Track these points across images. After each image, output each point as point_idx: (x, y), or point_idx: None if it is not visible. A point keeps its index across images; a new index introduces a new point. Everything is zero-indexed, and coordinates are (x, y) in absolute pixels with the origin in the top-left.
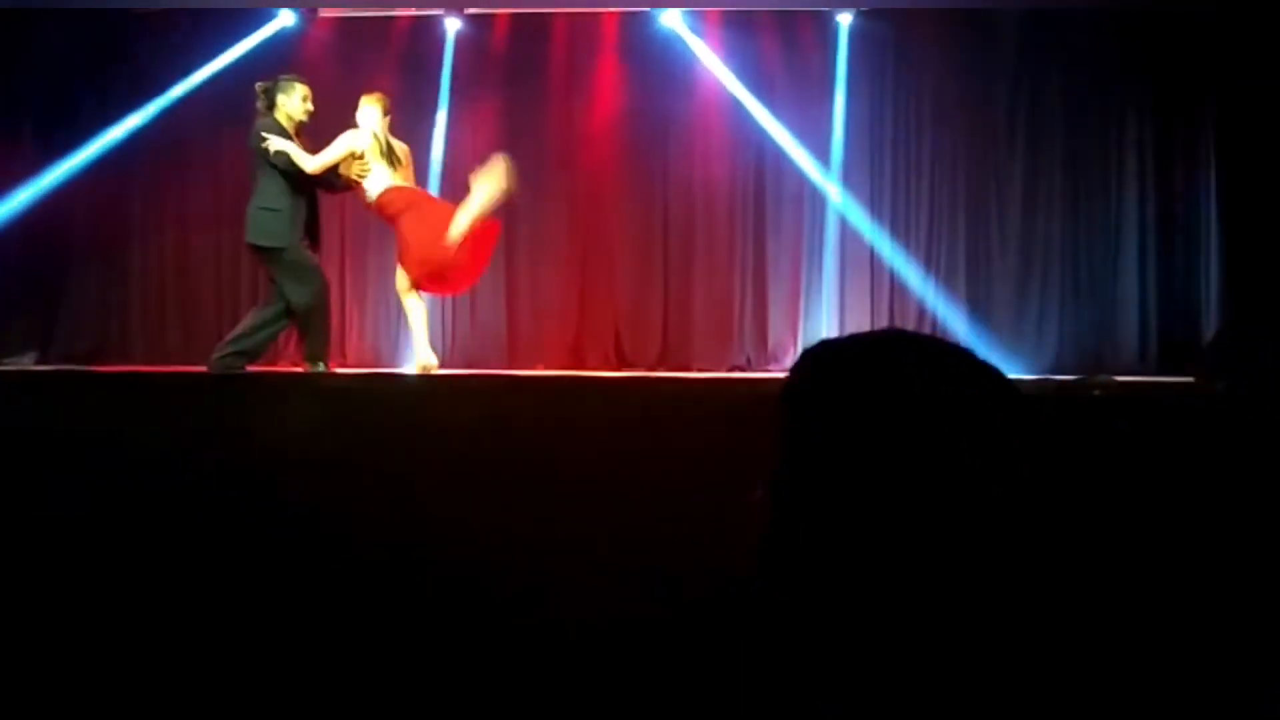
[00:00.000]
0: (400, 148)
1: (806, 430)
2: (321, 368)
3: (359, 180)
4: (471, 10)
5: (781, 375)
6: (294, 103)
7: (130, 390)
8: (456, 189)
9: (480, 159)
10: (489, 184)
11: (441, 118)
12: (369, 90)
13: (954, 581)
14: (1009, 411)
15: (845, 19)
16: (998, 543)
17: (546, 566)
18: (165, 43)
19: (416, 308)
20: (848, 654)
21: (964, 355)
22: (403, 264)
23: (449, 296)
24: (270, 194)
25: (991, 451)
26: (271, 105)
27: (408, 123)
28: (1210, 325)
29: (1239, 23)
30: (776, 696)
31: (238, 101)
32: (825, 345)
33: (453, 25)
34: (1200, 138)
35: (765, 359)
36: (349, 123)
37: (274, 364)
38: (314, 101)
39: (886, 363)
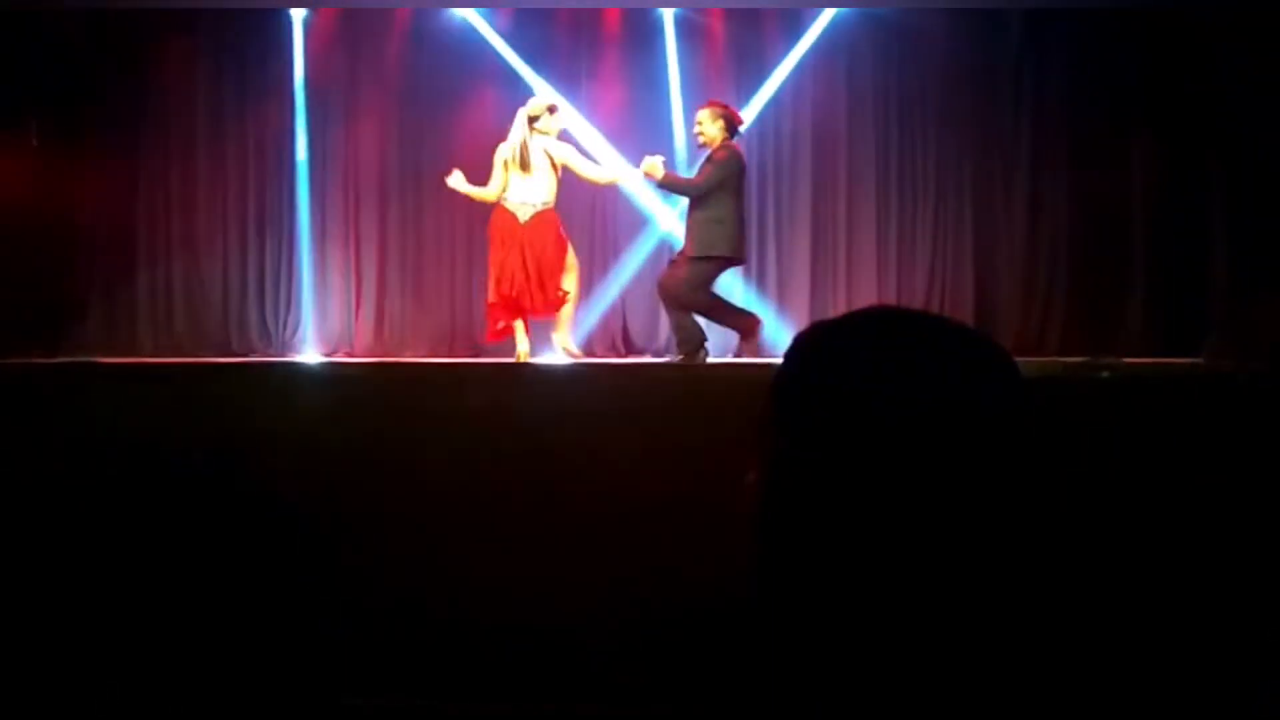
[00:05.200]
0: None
1: (797, 412)
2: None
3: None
4: (472, 6)
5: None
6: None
7: (141, 382)
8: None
9: (475, 152)
10: None
11: (445, 110)
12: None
13: (953, 570)
14: (1008, 389)
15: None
16: (999, 527)
17: (552, 551)
18: (171, 40)
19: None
20: (844, 645)
21: (960, 331)
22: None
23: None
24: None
25: (990, 432)
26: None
27: (416, 119)
28: (1217, 306)
29: (1241, 19)
30: (775, 687)
31: (243, 96)
32: (816, 327)
33: (451, 20)
34: (1206, 128)
35: (772, 345)
36: (350, 114)
37: (284, 354)
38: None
39: (877, 340)
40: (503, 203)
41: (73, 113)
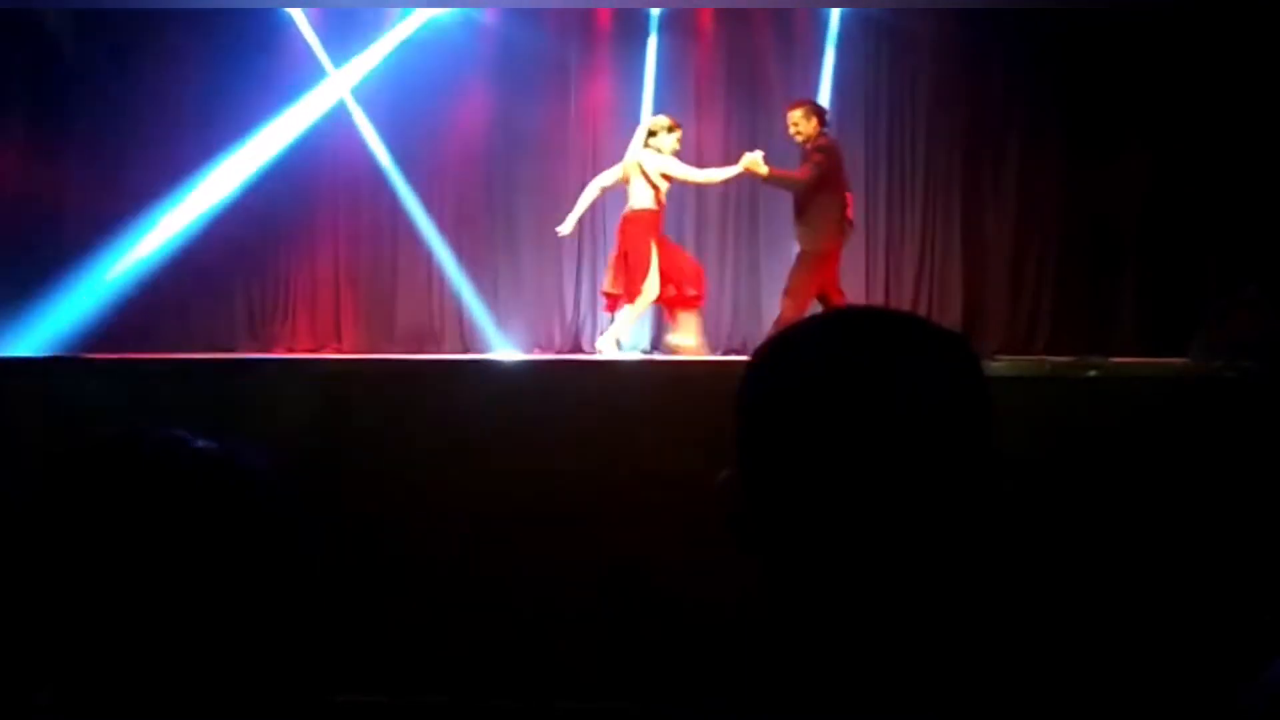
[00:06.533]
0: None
1: (762, 411)
2: None
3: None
4: (465, 6)
5: None
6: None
7: (127, 377)
8: (446, 180)
9: (474, 147)
10: None
11: (436, 109)
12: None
13: (923, 560)
14: (968, 382)
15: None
16: (963, 515)
17: (541, 544)
18: (156, 37)
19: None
20: (820, 639)
21: (919, 326)
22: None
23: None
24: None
25: (950, 424)
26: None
27: (404, 118)
28: (1207, 305)
29: (1234, 18)
30: (763, 681)
31: (227, 95)
32: (780, 332)
33: (442, 21)
34: (1197, 126)
35: (759, 342)
36: (337, 112)
37: (269, 350)
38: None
39: (839, 339)
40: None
41: (59, 108)
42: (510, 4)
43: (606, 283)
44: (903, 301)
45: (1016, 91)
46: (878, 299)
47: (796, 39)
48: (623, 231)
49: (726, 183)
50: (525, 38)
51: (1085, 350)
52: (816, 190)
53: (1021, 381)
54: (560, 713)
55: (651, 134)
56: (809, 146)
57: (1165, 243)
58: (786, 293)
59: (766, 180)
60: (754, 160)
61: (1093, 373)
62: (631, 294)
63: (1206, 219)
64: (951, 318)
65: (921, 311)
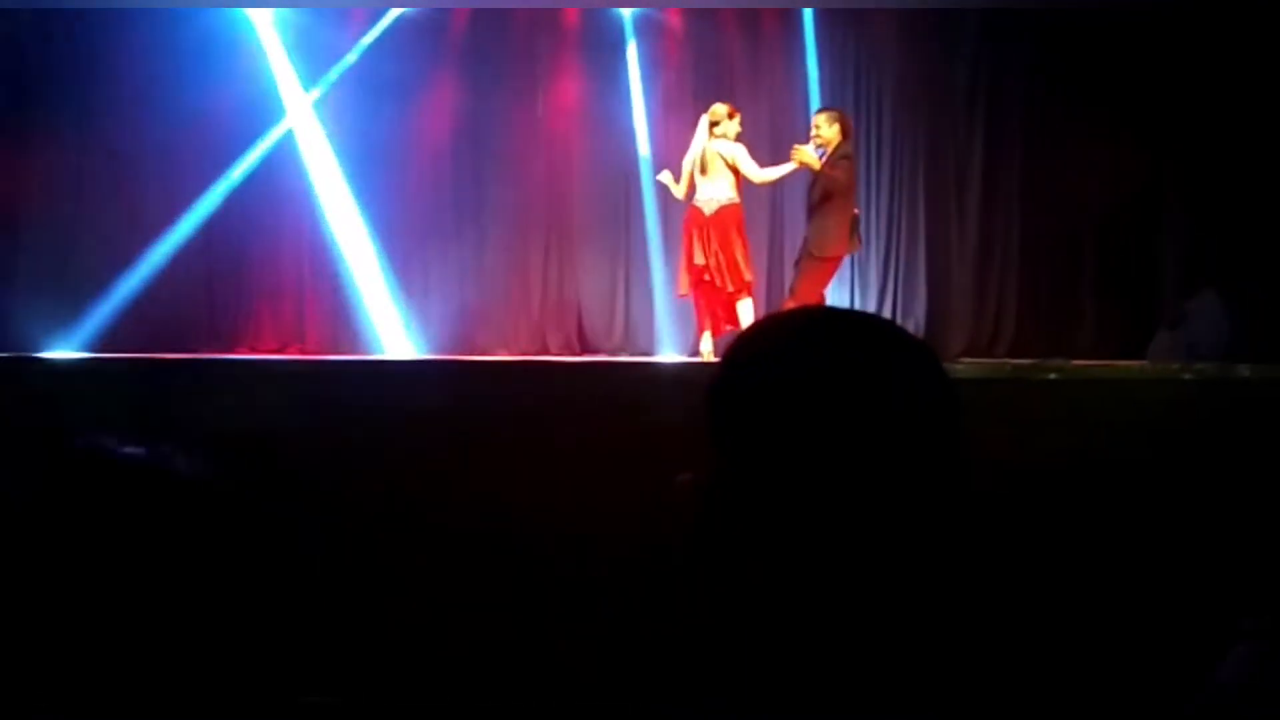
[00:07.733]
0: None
1: (730, 414)
2: None
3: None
4: (432, 5)
5: None
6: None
7: (81, 378)
8: (414, 181)
9: (442, 148)
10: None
11: (405, 108)
12: None
13: (886, 560)
14: (931, 384)
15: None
16: (926, 521)
17: (541, 543)
18: (121, 43)
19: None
20: (779, 639)
21: (885, 328)
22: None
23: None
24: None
25: (914, 426)
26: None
27: (371, 115)
28: (1167, 308)
29: (1197, 20)
30: (716, 674)
31: (193, 99)
32: (749, 330)
33: (408, 16)
34: (1160, 131)
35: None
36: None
37: (232, 349)
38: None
39: (806, 340)
40: (693, 203)
41: (23, 112)
42: (479, 3)
43: (722, 282)
44: (868, 304)
45: (980, 95)
46: (843, 302)
47: (764, 39)
48: (720, 220)
49: (780, 181)
50: (494, 39)
51: (1047, 353)
52: (841, 196)
53: (983, 383)
54: (560, 713)
55: (714, 123)
56: (835, 154)
57: (1126, 247)
58: (793, 295)
59: (817, 174)
60: (806, 152)
61: (1053, 375)
62: (741, 288)
63: (1166, 223)
64: (916, 321)
65: (886, 314)
